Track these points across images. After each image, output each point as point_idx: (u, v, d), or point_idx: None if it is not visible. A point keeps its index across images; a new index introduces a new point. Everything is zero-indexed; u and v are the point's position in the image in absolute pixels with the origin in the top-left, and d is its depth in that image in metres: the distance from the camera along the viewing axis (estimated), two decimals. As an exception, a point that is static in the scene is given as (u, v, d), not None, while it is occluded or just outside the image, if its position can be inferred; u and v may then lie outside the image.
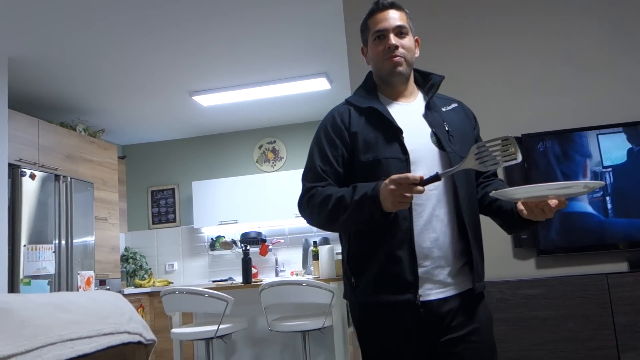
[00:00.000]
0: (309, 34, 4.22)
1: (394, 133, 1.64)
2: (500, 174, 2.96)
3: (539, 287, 2.92)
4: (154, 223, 6.80)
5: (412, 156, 1.61)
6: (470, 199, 1.68)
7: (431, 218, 1.61)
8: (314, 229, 6.32)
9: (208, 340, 3.80)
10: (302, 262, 6.01)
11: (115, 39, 4.07)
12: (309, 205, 1.67)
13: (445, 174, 1.46)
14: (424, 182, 1.43)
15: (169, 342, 4.46)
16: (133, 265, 6.43)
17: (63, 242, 4.58)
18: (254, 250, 5.77)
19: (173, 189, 6.83)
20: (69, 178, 4.76)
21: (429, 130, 1.67)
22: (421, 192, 1.43)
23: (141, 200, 6.87)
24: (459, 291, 1.63)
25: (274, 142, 6.71)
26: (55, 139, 5.02)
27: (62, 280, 4.49)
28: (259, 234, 5.98)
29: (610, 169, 3.12)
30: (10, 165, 4.27)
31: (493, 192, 1.48)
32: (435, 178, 1.44)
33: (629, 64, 3.29)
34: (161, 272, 6.67)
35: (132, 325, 1.36)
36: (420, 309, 1.57)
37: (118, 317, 1.32)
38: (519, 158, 1.42)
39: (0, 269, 3.97)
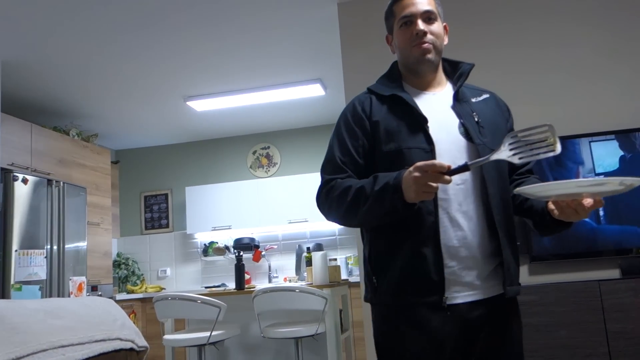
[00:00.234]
0: (304, 40, 4.24)
1: (418, 122, 1.53)
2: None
3: (532, 294, 2.93)
4: (146, 228, 6.78)
5: (438, 147, 1.50)
6: (502, 195, 1.55)
7: (458, 214, 1.49)
8: (307, 234, 6.35)
9: (200, 347, 3.78)
10: (296, 268, 6.00)
11: (110, 44, 4.07)
12: (327, 199, 1.57)
13: (474, 164, 1.34)
14: (451, 171, 1.32)
15: (161, 348, 4.43)
16: (125, 271, 6.39)
17: (55, 247, 4.55)
18: (247, 256, 5.75)
19: (166, 195, 6.81)
20: (61, 183, 4.74)
21: (456, 121, 1.56)
22: (448, 182, 1.32)
23: (134, 206, 6.85)
24: (489, 296, 1.50)
25: (268, 147, 6.70)
26: (48, 144, 5.00)
27: (53, 286, 4.46)
28: (252, 239, 5.97)
29: (602, 176, 3.13)
30: (2, 169, 4.25)
31: (517, 189, 1.34)
32: (463, 168, 1.33)
33: (621, 73, 3.32)
34: (153, 278, 6.64)
35: (124, 331, 1.35)
36: (447, 312, 1.46)
37: (110, 324, 1.31)
38: (559, 149, 1.28)
39: (-9, 274, 3.93)
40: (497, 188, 1.54)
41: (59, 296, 4.48)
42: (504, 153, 1.33)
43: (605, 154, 3.13)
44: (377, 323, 1.58)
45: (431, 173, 1.31)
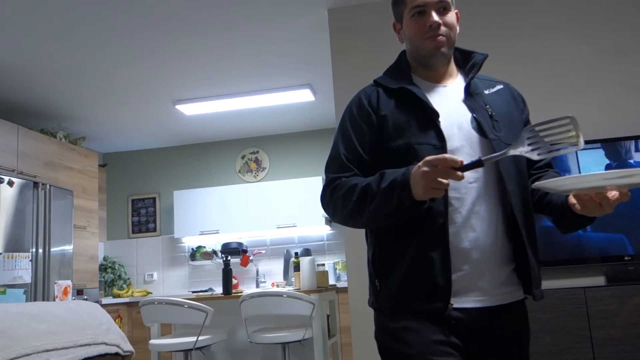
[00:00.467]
0: (294, 45, 4.24)
1: (429, 117, 1.44)
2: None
3: (518, 301, 2.94)
4: (133, 232, 6.73)
5: (450, 143, 1.41)
6: (522, 192, 1.45)
7: (470, 215, 1.39)
8: (296, 239, 6.35)
9: (187, 352, 3.76)
10: (283, 273, 5.99)
11: (99, 46, 4.05)
12: (332, 198, 1.48)
13: (489, 160, 1.24)
14: (464, 167, 1.22)
15: (147, 353, 4.40)
16: (112, 275, 6.34)
17: (40, 250, 4.51)
18: (234, 260, 5.73)
19: (154, 198, 6.77)
20: (48, 185, 4.70)
21: (468, 115, 1.47)
22: (460, 178, 1.22)
23: (121, 209, 6.80)
24: (500, 303, 1.40)
25: (257, 152, 6.70)
26: (35, 146, 4.96)
27: (38, 290, 4.41)
28: (240, 244, 5.95)
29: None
30: (-13, 171, 4.20)
31: (536, 183, 1.25)
32: (477, 164, 1.23)
33: (607, 84, 3.36)
34: (140, 282, 6.59)
35: (110, 336, 1.34)
36: (452, 321, 1.36)
37: (95, 328, 1.30)
38: (581, 144, 1.19)
39: (-26, 277, 3.89)
40: (516, 185, 1.44)
41: (44, 300, 4.43)
42: (522, 148, 1.24)
43: (592, 163, 3.16)
44: (379, 330, 1.49)
45: (442, 168, 1.22)
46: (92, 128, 5.92)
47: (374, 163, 1.48)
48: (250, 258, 5.83)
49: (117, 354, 1.33)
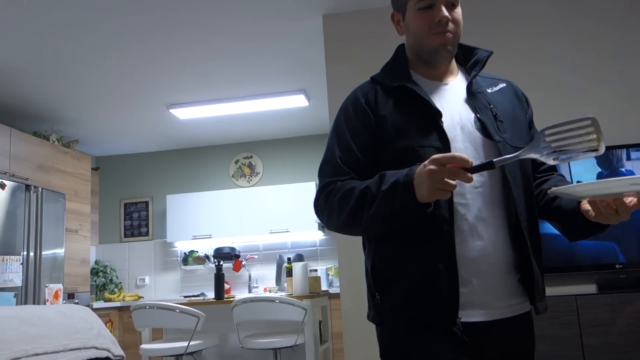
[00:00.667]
0: (288, 51, 4.25)
1: (431, 117, 1.35)
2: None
3: (510, 308, 2.95)
4: (125, 236, 6.70)
5: (453, 145, 1.33)
6: (528, 198, 1.37)
7: (477, 222, 1.30)
8: (289, 245, 6.34)
9: (178, 357, 3.74)
10: (276, 278, 5.97)
11: (93, 49, 4.04)
12: (327, 203, 1.37)
13: (501, 162, 1.16)
14: (474, 168, 1.14)
15: (137, 358, 4.37)
16: (103, 279, 6.31)
17: (32, 253, 4.48)
18: (227, 265, 5.72)
19: (147, 202, 6.75)
20: (40, 188, 4.67)
21: (471, 115, 1.38)
22: (469, 180, 1.14)
23: (113, 213, 6.78)
24: (510, 315, 1.32)
25: (251, 157, 6.69)
26: (28, 149, 4.94)
27: (29, 293, 4.38)
28: (233, 249, 5.92)
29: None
30: (-21, 174, 4.18)
31: (553, 189, 1.17)
32: (488, 165, 1.15)
33: (599, 92, 3.39)
34: (132, 286, 6.56)
35: (100, 340, 1.34)
36: (461, 336, 1.26)
37: (86, 332, 1.30)
38: (602, 148, 1.10)
39: (-36, 280, 3.85)
40: (522, 190, 1.36)
41: (34, 303, 4.40)
42: (537, 151, 1.14)
43: (583, 171, 3.18)
44: (383, 347, 1.39)
45: (450, 167, 1.13)
46: (86, 131, 5.90)
47: (372, 166, 1.37)
48: (243, 263, 5.81)
49: (107, 358, 1.33)
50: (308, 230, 5.99)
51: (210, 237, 6.16)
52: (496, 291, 1.31)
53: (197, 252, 6.33)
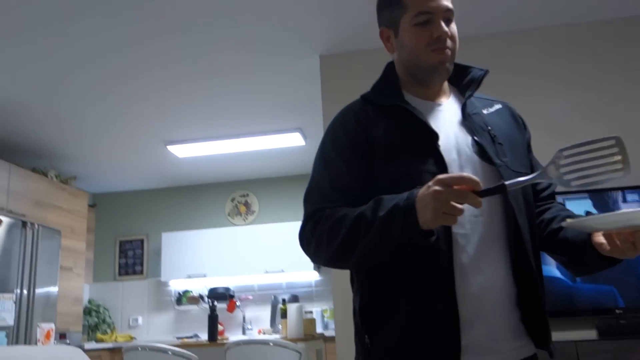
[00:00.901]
0: (285, 89, 4.30)
1: (427, 140, 1.23)
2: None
3: (509, 353, 2.90)
4: (120, 274, 6.63)
5: (450, 170, 1.21)
6: (531, 227, 1.26)
7: (478, 254, 1.18)
8: (284, 285, 6.27)
9: (169, 400, 3.64)
10: (270, 320, 5.89)
11: (93, 86, 4.09)
12: (314, 233, 1.22)
13: (514, 186, 1.05)
14: (483, 192, 1.03)
15: (128, 401, 4.25)
16: (96, 319, 6.21)
17: (25, 291, 4.42)
18: (221, 306, 5.65)
19: (142, 240, 6.70)
20: (36, 225, 4.65)
21: (468, 138, 1.28)
22: (479, 205, 1.02)
23: (108, 251, 6.72)
24: (519, 358, 1.19)
25: (247, 195, 6.69)
26: (26, 184, 4.93)
27: (20, 333, 4.30)
28: (227, 289, 5.88)
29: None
30: (-25, 210, 4.16)
31: (568, 221, 1.08)
32: (499, 189, 1.04)
33: (594, 130, 3.42)
34: (124, 326, 6.45)
35: (92, 384, 1.31)
36: None
37: (77, 375, 1.27)
38: (628, 171, 1.00)
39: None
40: (527, 219, 1.25)
41: (26, 343, 4.31)
42: (554, 173, 1.04)
43: (579, 212, 3.18)
44: None
45: (457, 190, 1.02)
46: (84, 167, 5.91)
47: (364, 192, 1.22)
48: (237, 304, 5.75)
49: (98, 403, 1.30)
50: (303, 271, 5.94)
51: (204, 276, 6.09)
52: (500, 332, 1.17)
53: (191, 292, 6.26)
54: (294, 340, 3.74)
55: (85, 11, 3.14)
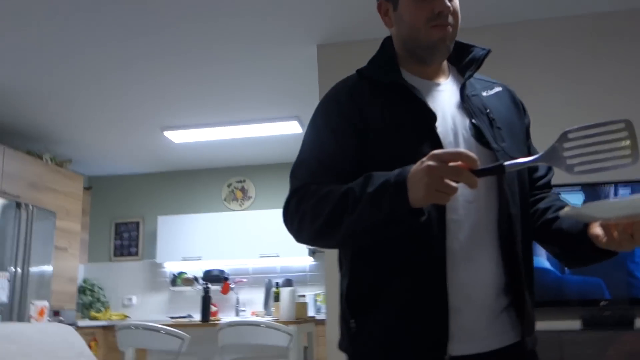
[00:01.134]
0: (283, 78, 4.30)
1: (425, 121, 1.17)
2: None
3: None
4: (115, 255, 6.67)
5: None
6: (524, 215, 1.21)
7: (469, 241, 1.14)
8: (278, 269, 6.31)
9: (161, 380, 3.71)
10: (264, 302, 5.95)
11: (90, 71, 4.09)
12: (298, 209, 1.16)
13: (513, 167, 0.99)
14: (481, 171, 0.96)
15: (120, 379, 4.32)
16: (90, 297, 6.26)
17: (19, 270, 4.46)
18: (216, 288, 5.69)
19: (138, 223, 6.73)
20: (30, 206, 4.68)
21: (466, 120, 1.21)
22: (474, 184, 0.96)
23: (104, 233, 6.75)
24: (503, 345, 1.15)
25: (244, 181, 6.71)
26: (21, 167, 4.95)
27: (14, 310, 4.35)
28: (222, 272, 5.91)
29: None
30: (-29, 188, 4.18)
31: (566, 209, 1.02)
32: (497, 169, 0.98)
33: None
34: (119, 305, 6.50)
35: (80, 360, 1.34)
36: None
37: (66, 351, 1.30)
38: (636, 159, 0.93)
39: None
40: (522, 206, 1.20)
41: (19, 320, 4.37)
42: (557, 157, 0.96)
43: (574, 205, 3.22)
44: None
45: (452, 167, 0.95)
46: (79, 151, 5.91)
47: (355, 173, 1.13)
48: (232, 286, 5.80)
49: (87, 378, 1.34)
50: (298, 256, 5.99)
51: (200, 259, 6.14)
52: (487, 320, 1.14)
53: (186, 273, 6.31)
54: (286, 323, 3.79)
55: (82, -8, 3.14)
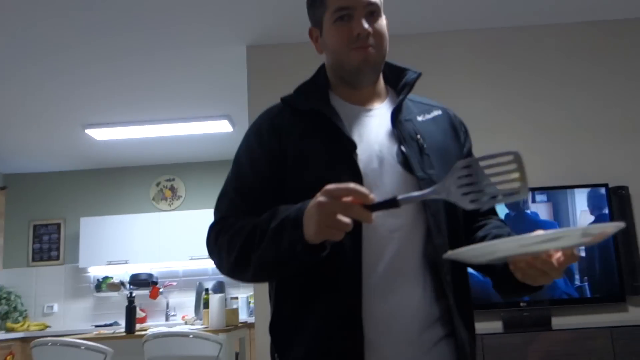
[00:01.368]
0: (213, 77, 4.24)
1: (343, 147, 1.16)
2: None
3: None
4: (34, 260, 6.33)
5: (367, 181, 1.12)
6: (456, 244, 1.15)
7: (390, 274, 1.11)
8: (210, 271, 6.19)
9: (82, 396, 3.54)
10: (195, 307, 5.82)
11: (8, 66, 3.86)
12: (216, 244, 1.17)
13: (406, 201, 0.94)
14: (374, 206, 0.93)
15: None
16: (6, 307, 5.90)
17: None
18: (144, 293, 5.51)
19: (58, 224, 6.41)
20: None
21: (394, 146, 1.20)
22: (368, 220, 0.93)
23: (21, 235, 6.37)
24: None
25: (173, 179, 6.53)
26: None
27: None
28: (150, 275, 5.75)
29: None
30: None
31: (448, 252, 0.98)
32: (390, 203, 0.94)
33: (505, 132, 3.55)
34: (38, 314, 6.18)
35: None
36: None
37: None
38: (524, 193, 0.91)
39: None
40: (446, 236, 1.17)
41: None
42: (449, 191, 0.95)
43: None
44: None
45: (344, 202, 0.92)
46: (-7, 147, 5.56)
47: (274, 202, 1.13)
48: (161, 290, 5.63)
49: None
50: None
51: (126, 263, 5.94)
52: (414, 354, 1.11)
53: (111, 278, 6.07)
54: (216, 332, 3.71)
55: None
